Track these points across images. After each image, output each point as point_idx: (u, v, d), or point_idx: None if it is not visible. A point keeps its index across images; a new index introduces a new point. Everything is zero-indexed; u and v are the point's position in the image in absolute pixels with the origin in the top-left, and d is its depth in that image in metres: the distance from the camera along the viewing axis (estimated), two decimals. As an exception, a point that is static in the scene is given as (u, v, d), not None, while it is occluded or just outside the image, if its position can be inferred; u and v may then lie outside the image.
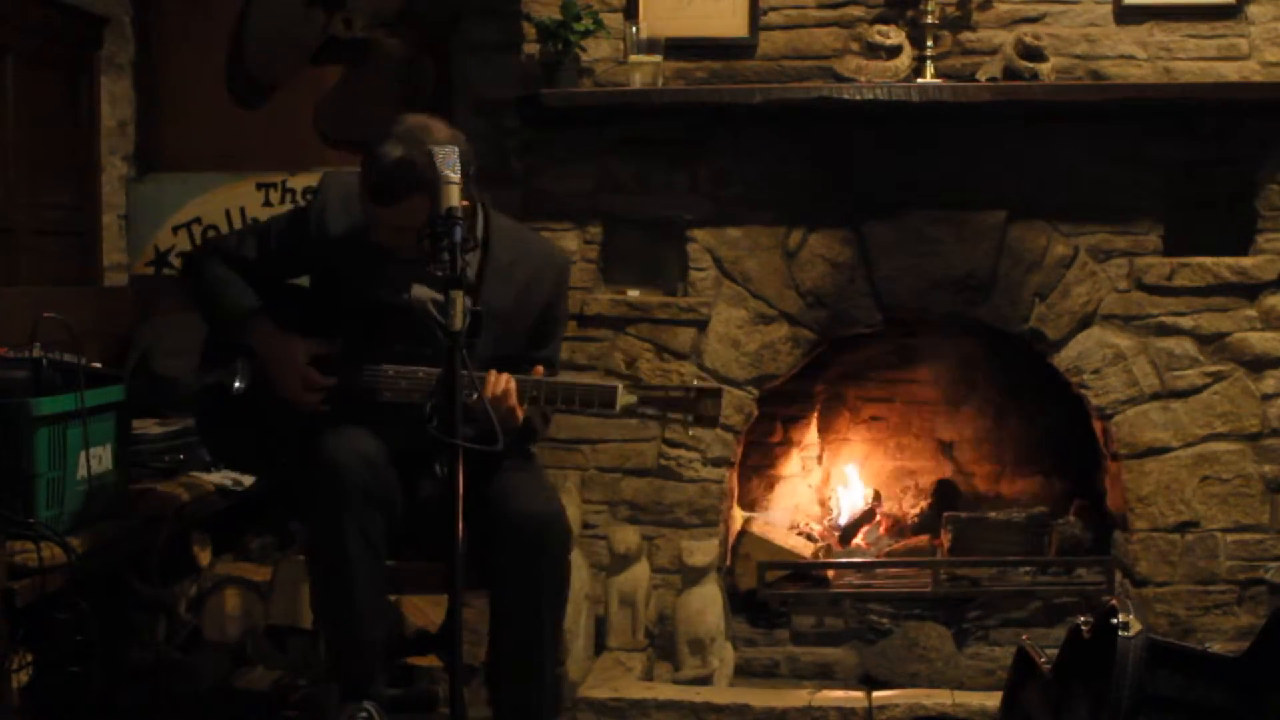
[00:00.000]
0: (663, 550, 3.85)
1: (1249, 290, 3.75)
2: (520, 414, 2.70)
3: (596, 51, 3.83)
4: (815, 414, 4.34)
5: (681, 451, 3.84)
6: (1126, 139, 3.73)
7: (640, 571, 3.78)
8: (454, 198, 2.36)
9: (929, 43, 3.72)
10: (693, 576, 3.74)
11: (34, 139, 4.07)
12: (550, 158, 3.87)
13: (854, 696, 3.46)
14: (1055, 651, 2.63)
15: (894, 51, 3.67)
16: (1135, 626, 2.30)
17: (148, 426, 3.54)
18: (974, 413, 4.31)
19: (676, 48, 3.78)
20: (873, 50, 3.68)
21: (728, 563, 4.00)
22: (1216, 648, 2.65)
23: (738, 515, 4.12)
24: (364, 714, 2.66)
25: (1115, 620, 2.31)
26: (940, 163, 3.79)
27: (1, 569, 2.63)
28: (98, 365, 3.24)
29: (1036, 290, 3.79)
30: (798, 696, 3.46)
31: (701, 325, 3.85)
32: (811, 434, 4.35)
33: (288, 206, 4.38)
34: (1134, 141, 3.73)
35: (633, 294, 3.90)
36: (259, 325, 2.81)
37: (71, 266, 4.35)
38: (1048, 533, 4.04)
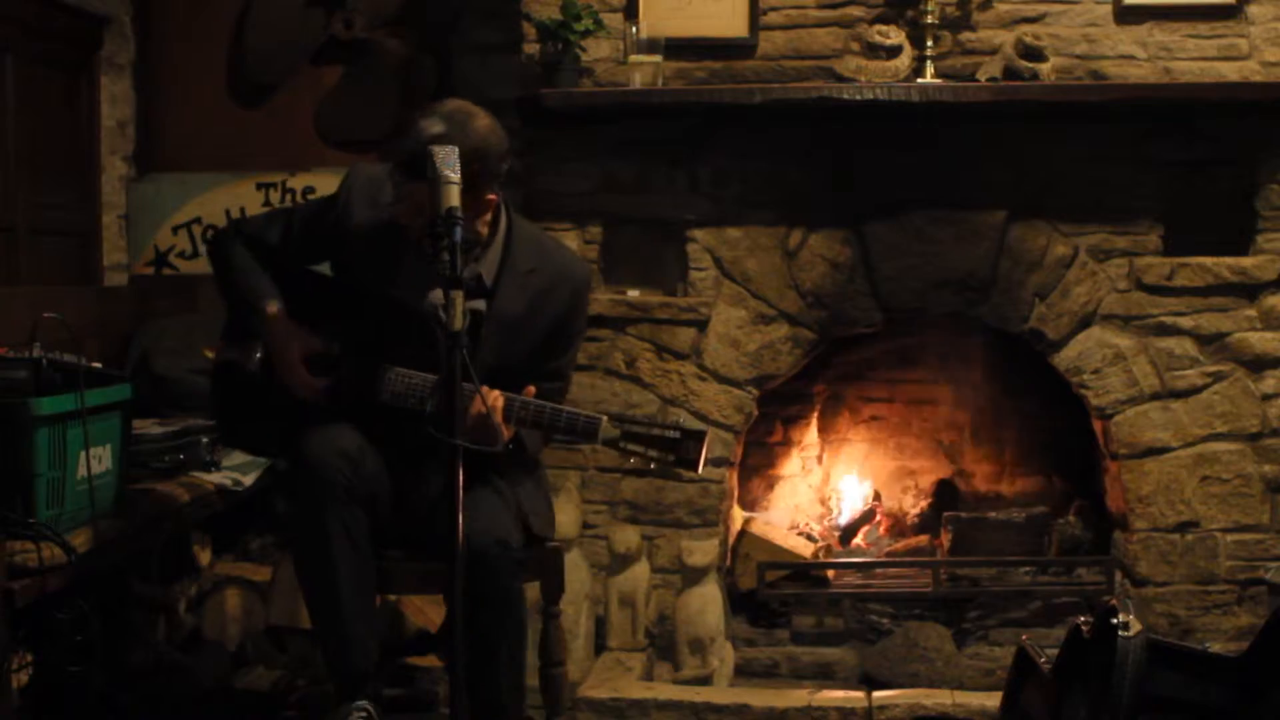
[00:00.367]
0: (663, 550, 3.85)
1: (1249, 290, 3.75)
2: (506, 434, 2.64)
3: (596, 51, 3.83)
4: (815, 414, 4.34)
5: (681, 451, 3.84)
6: (1126, 139, 3.73)
7: (640, 571, 3.78)
8: (454, 198, 2.35)
9: (929, 43, 3.72)
10: (693, 576, 3.74)
11: (34, 139, 4.07)
12: (550, 158, 3.87)
13: (854, 696, 3.46)
14: (1055, 651, 2.63)
15: (894, 51, 3.67)
16: (1135, 626, 2.30)
17: (148, 426, 3.53)
18: (974, 413, 4.31)
19: (676, 48, 3.78)
20: (873, 50, 3.68)
21: (728, 563, 4.00)
22: (1216, 648, 2.65)
23: (738, 515, 4.12)
24: (362, 714, 2.65)
25: (1115, 620, 2.31)
26: (940, 163, 3.79)
27: (1, 569, 2.63)
28: (98, 365, 3.23)
29: (1036, 290, 3.79)
30: (798, 696, 3.47)
31: (701, 325, 3.85)
32: (811, 434, 4.35)
33: (304, 203, 4.37)
34: (1134, 141, 3.74)
35: (633, 294, 3.91)
36: (270, 316, 2.80)
37: (71, 266, 4.34)
38: (1048, 533, 4.04)
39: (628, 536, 3.75)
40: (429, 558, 2.77)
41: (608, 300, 3.87)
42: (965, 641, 3.86)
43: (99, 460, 2.96)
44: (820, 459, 4.38)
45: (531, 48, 3.83)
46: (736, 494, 4.14)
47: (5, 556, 2.65)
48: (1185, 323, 3.76)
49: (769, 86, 3.73)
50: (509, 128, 4.03)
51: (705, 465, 2.69)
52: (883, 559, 4.14)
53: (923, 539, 4.21)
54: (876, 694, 3.46)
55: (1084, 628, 2.50)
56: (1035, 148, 3.76)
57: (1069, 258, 3.78)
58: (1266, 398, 3.75)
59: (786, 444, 4.33)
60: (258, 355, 2.86)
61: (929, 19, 3.71)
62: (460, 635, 2.26)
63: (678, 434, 2.63)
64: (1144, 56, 3.74)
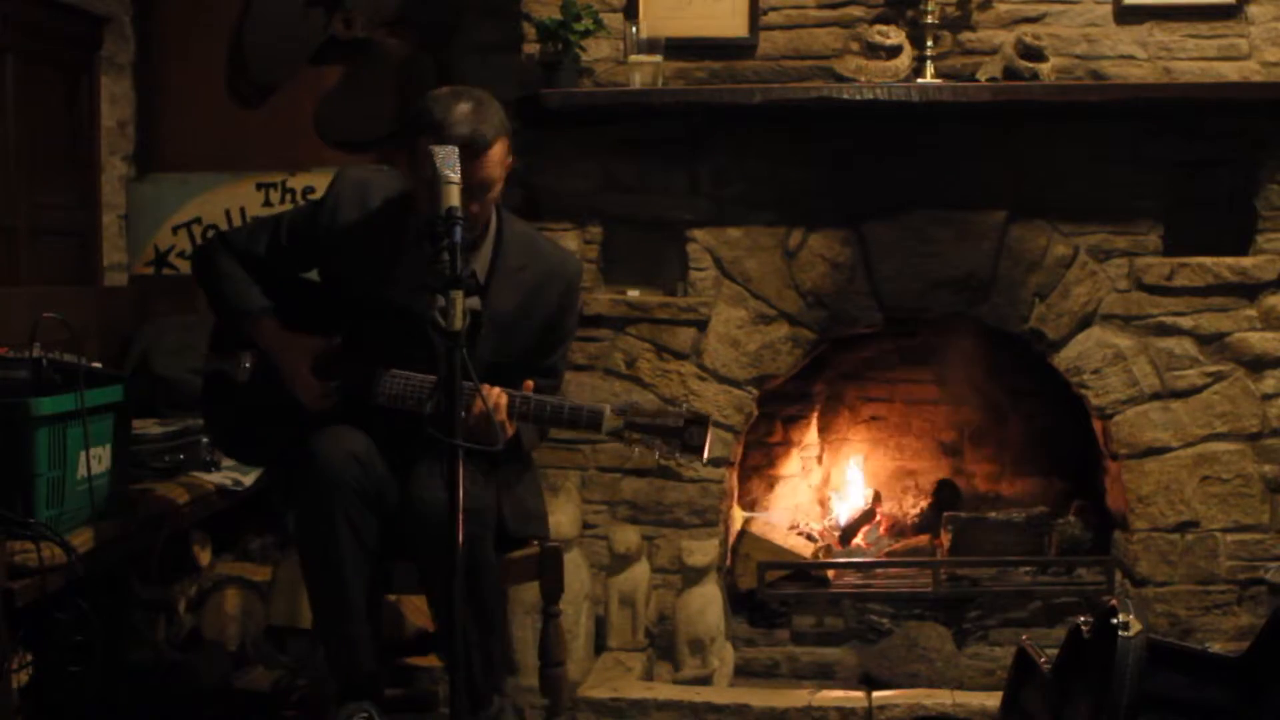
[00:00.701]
0: (663, 550, 3.85)
1: (1249, 290, 3.75)
2: (510, 430, 2.65)
3: (596, 51, 3.83)
4: (815, 414, 4.34)
5: (681, 451, 3.84)
6: (1126, 139, 3.73)
7: (640, 571, 3.78)
8: (454, 197, 2.35)
9: (929, 43, 3.72)
10: (693, 576, 3.74)
11: (34, 139, 4.07)
12: (550, 158, 3.87)
13: (854, 696, 3.46)
14: (1055, 651, 2.63)
15: (894, 51, 3.67)
16: (1135, 626, 2.30)
17: (148, 426, 3.53)
18: (974, 413, 4.31)
19: (676, 48, 3.78)
20: (873, 50, 3.68)
21: (728, 563, 4.00)
22: (1216, 648, 2.65)
23: (738, 515, 4.12)
24: (363, 714, 2.65)
25: (1115, 620, 2.31)
26: (940, 163, 3.79)
27: (1, 569, 2.63)
28: (98, 365, 3.23)
29: (1036, 290, 3.79)
30: (798, 696, 3.47)
31: (701, 325, 3.85)
32: (811, 434, 4.35)
33: (287, 206, 4.37)
34: (1134, 141, 3.73)
35: (633, 294, 3.90)
36: (264, 325, 2.80)
37: (71, 266, 4.34)
38: (1048, 533, 4.04)
39: (628, 536, 3.75)
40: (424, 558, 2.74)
41: (608, 300, 3.87)
42: (965, 641, 3.86)
43: (99, 460, 2.97)
44: (820, 459, 4.38)
45: (531, 48, 3.82)
46: (736, 494, 4.14)
47: (5, 556, 2.65)
48: (1185, 323, 3.76)
49: (769, 86, 3.73)
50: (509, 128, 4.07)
51: (709, 455, 2.69)
52: (882, 559, 4.14)
53: (923, 539, 4.21)
54: (876, 694, 3.46)
55: (1084, 628, 2.50)
56: (1035, 148, 3.76)
57: (1069, 258, 3.78)
58: (1266, 398, 3.75)
59: (786, 444, 4.33)
60: (246, 365, 2.85)
61: (929, 19, 3.71)
62: (459, 635, 2.26)
63: (681, 421, 2.64)
64: (1144, 56, 3.74)
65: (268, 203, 4.44)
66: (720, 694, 3.52)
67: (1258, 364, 3.75)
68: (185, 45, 4.54)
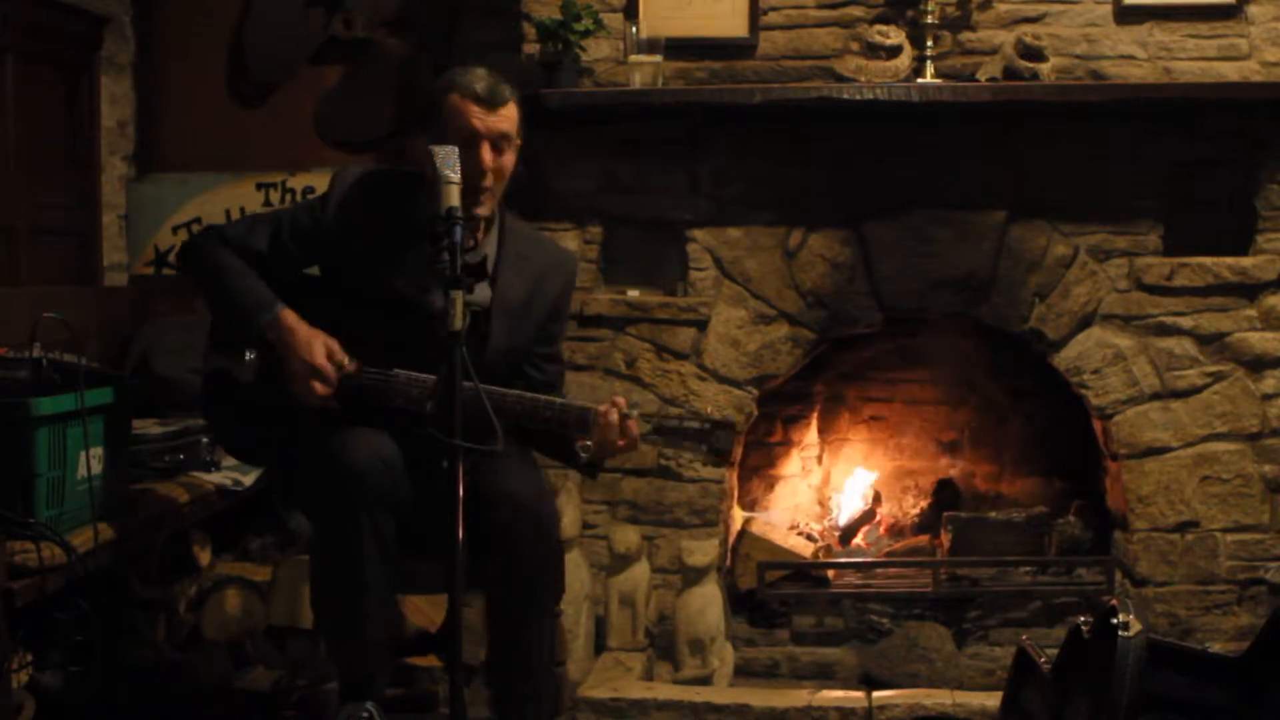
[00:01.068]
0: (663, 550, 3.85)
1: (1249, 290, 3.75)
2: (635, 432, 2.67)
3: (596, 51, 3.83)
4: (815, 414, 4.34)
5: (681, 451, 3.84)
6: (1126, 139, 3.73)
7: (640, 571, 3.78)
8: (454, 197, 2.36)
9: (929, 43, 3.72)
10: (693, 576, 3.74)
11: (34, 139, 4.07)
12: (550, 158, 3.87)
13: (854, 696, 3.46)
14: (1055, 651, 2.63)
15: (894, 51, 3.67)
16: (1135, 626, 2.30)
17: (148, 426, 3.53)
18: (974, 413, 4.31)
19: (676, 48, 3.78)
20: (873, 50, 3.68)
21: (728, 563, 4.00)
22: (1216, 648, 2.65)
23: (738, 515, 4.12)
24: (365, 714, 2.65)
25: (1115, 620, 2.31)
26: (940, 163, 3.79)
27: (1, 569, 2.63)
28: (97, 365, 3.23)
29: (1036, 290, 3.79)
30: (798, 696, 3.47)
31: (701, 325, 3.85)
32: (811, 434, 4.35)
33: (288, 206, 4.37)
34: (1134, 141, 3.74)
35: (633, 294, 3.91)
36: (277, 315, 2.73)
37: (71, 266, 4.34)
38: (1048, 533, 4.04)
39: (628, 536, 3.75)
40: (438, 556, 2.75)
41: (608, 300, 3.87)
42: (965, 641, 3.87)
43: (99, 460, 2.96)
44: (820, 459, 4.38)
45: (531, 48, 3.83)
46: (736, 494, 4.14)
47: (5, 556, 2.65)
48: (1185, 323, 3.76)
49: (769, 86, 3.73)
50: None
51: (709, 466, 2.72)
52: (882, 559, 4.14)
53: (923, 539, 4.21)
54: (876, 694, 3.46)
55: (1084, 628, 2.50)
56: (1035, 148, 3.76)
57: (1069, 258, 3.78)
58: (1266, 398, 3.75)
59: (786, 444, 4.33)
60: (251, 360, 2.80)
61: (929, 19, 3.71)
62: (458, 635, 2.26)
63: (708, 425, 2.68)
64: (1144, 56, 3.74)
65: (268, 202, 4.44)
66: (720, 694, 3.52)
67: (1258, 364, 3.75)
68: (185, 45, 4.54)
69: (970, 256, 3.79)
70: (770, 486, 4.33)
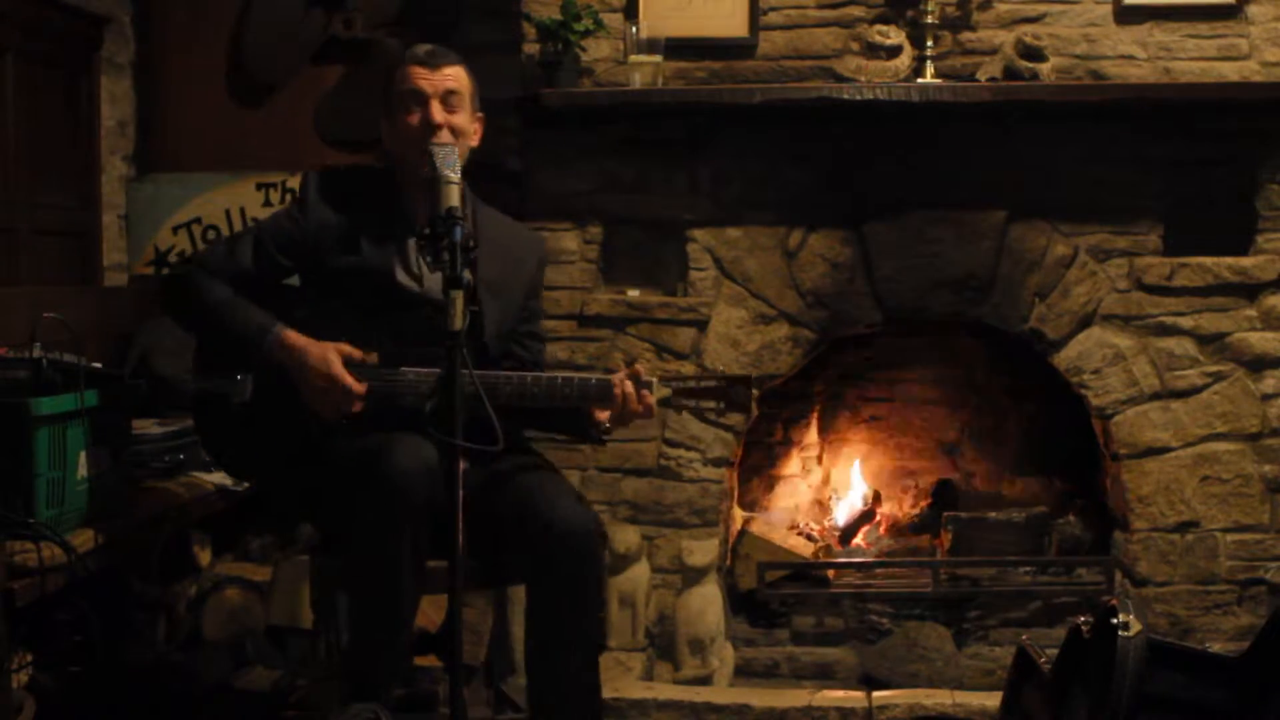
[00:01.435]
0: (663, 550, 3.85)
1: (1249, 290, 3.75)
2: (654, 410, 2.72)
3: (596, 51, 3.83)
4: (815, 414, 4.34)
5: (681, 451, 3.84)
6: (1126, 139, 3.73)
7: (640, 571, 3.78)
8: (454, 197, 2.36)
9: (929, 43, 3.72)
10: (693, 576, 3.74)
11: (34, 139, 4.07)
12: (550, 158, 3.87)
13: (854, 696, 3.47)
14: (1055, 651, 2.63)
15: (894, 51, 3.67)
16: (1135, 626, 2.30)
17: (148, 426, 3.53)
18: (974, 413, 4.31)
19: (676, 48, 3.78)
20: (873, 50, 3.68)
21: (728, 563, 4.00)
22: (1216, 648, 2.65)
23: (738, 515, 4.12)
24: (370, 714, 2.65)
25: (1115, 620, 2.31)
26: (940, 163, 3.79)
27: (1, 569, 2.63)
28: (98, 365, 3.23)
29: (1036, 290, 3.79)
30: (798, 696, 3.47)
31: (701, 325, 3.85)
32: (811, 434, 4.35)
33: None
34: (1134, 141, 3.73)
35: (633, 294, 3.90)
36: (280, 337, 2.72)
37: (71, 266, 4.34)
38: (1048, 533, 4.04)
39: (628, 536, 3.75)
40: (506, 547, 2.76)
41: (608, 300, 3.87)
42: (965, 641, 3.87)
43: (99, 460, 2.96)
44: (820, 459, 4.38)
45: (531, 48, 3.82)
46: (736, 494, 4.14)
47: (5, 556, 2.65)
48: (1185, 323, 3.76)
49: (769, 86, 3.73)
50: (509, 128, 4.08)
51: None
52: (882, 559, 4.14)
53: (923, 539, 4.21)
54: (876, 694, 3.46)
55: (1084, 628, 2.50)
56: (1035, 148, 3.76)
57: (1069, 258, 3.78)
58: (1266, 398, 3.75)
59: (786, 444, 4.33)
60: (240, 392, 2.76)
61: (929, 19, 3.71)
62: (458, 635, 2.26)
63: (725, 382, 2.72)
64: (1144, 56, 3.74)
65: (268, 203, 4.44)
66: (720, 694, 3.53)
67: (1258, 364, 3.75)
68: (185, 45, 4.54)
69: (970, 256, 3.79)
70: (770, 486, 4.33)
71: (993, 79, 3.67)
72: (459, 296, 2.25)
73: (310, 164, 4.40)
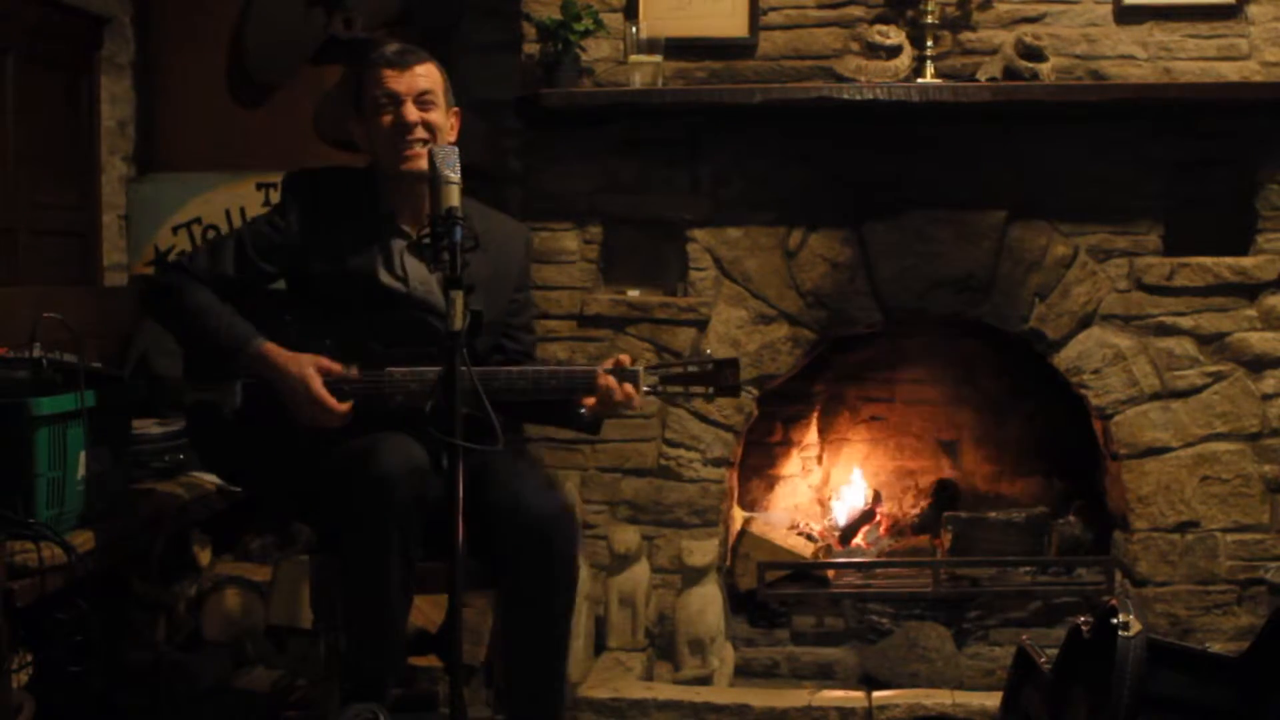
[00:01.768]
0: (663, 550, 3.85)
1: (1249, 290, 3.75)
2: (638, 400, 2.74)
3: (596, 51, 3.83)
4: (815, 414, 4.34)
5: (681, 451, 3.84)
6: (1126, 139, 3.73)
7: (640, 571, 3.78)
8: (454, 198, 2.36)
9: (929, 43, 3.72)
10: (693, 576, 3.74)
11: (34, 139, 4.07)
12: (550, 158, 3.87)
13: (854, 696, 3.46)
14: (1055, 651, 2.63)
15: (894, 51, 3.67)
16: (1135, 626, 2.30)
17: (148, 426, 3.54)
18: (974, 413, 4.31)
19: (676, 48, 3.78)
20: (873, 50, 3.68)
21: (728, 563, 4.00)
22: (1216, 648, 2.65)
23: (738, 515, 4.12)
24: (369, 714, 2.65)
25: (1115, 620, 2.31)
26: (940, 163, 3.79)
27: (1, 569, 2.63)
28: (98, 365, 3.23)
29: (1036, 290, 3.79)
30: (798, 696, 3.47)
31: (701, 325, 3.85)
32: (811, 434, 4.35)
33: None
34: (1134, 141, 3.73)
35: (633, 294, 3.90)
36: (259, 350, 2.70)
37: (71, 266, 4.34)
38: (1048, 533, 4.04)
39: (628, 536, 3.75)
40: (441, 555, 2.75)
41: (608, 300, 3.87)
42: (965, 641, 3.87)
43: (99, 460, 2.96)
44: (820, 459, 4.38)
45: (531, 48, 3.82)
46: (736, 494, 4.14)
47: (5, 556, 2.65)
48: (1185, 323, 3.76)
49: (769, 86, 3.73)
50: (509, 128, 4.09)
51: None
52: (882, 559, 4.14)
53: (923, 539, 4.21)
54: (876, 694, 3.46)
55: (1084, 628, 2.50)
56: (1035, 148, 3.76)
57: (1069, 258, 3.78)
58: (1266, 398, 3.75)
59: (786, 444, 4.33)
60: (231, 402, 2.75)
61: (929, 19, 3.71)
62: (458, 635, 2.26)
63: (711, 365, 2.72)
64: (1144, 56, 3.74)
65: (268, 203, 4.44)
66: (720, 694, 3.52)
67: (1258, 364, 3.75)
68: (185, 45, 4.54)
69: (970, 256, 3.79)
70: (770, 486, 4.33)
71: (993, 79, 3.67)
72: (459, 297, 2.25)
73: (309, 164, 4.44)
